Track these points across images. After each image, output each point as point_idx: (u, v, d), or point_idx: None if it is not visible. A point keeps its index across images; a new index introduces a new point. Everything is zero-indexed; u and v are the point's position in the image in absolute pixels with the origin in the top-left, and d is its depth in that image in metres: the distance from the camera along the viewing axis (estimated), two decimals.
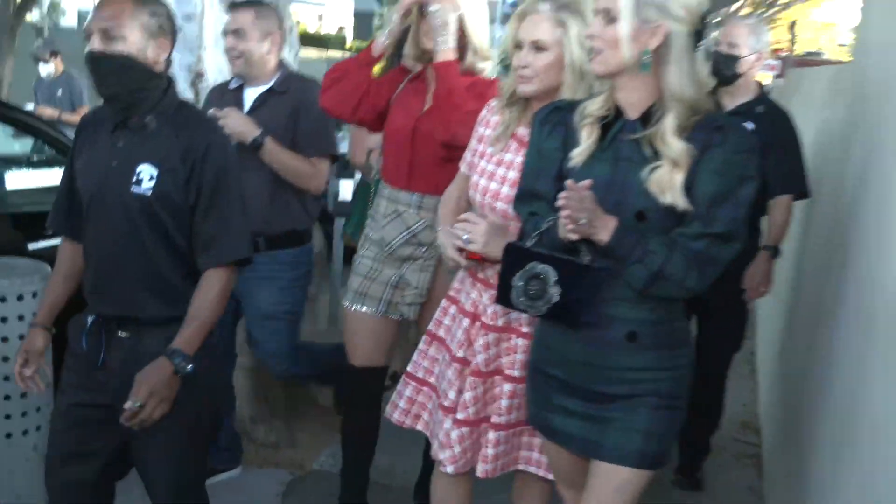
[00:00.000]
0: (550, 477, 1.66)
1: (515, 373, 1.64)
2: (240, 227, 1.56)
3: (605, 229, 1.27)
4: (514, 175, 1.62)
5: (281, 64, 2.32)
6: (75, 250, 1.62)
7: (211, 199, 1.51)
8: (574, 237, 1.30)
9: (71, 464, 1.58)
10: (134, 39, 1.44)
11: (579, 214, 1.25)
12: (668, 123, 1.28)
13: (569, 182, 1.27)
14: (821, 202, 2.44)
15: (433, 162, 1.95)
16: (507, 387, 1.65)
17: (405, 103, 2.00)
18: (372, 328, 2.08)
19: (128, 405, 1.40)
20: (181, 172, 1.49)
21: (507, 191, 1.62)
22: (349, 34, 28.68)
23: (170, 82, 1.57)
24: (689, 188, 1.29)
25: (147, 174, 1.48)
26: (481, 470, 1.67)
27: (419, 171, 1.97)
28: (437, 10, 1.80)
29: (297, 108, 2.23)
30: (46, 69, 5.47)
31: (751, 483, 2.80)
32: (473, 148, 1.76)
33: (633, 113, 1.34)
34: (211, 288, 1.51)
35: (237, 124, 2.13)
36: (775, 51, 15.76)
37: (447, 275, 1.93)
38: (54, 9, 14.28)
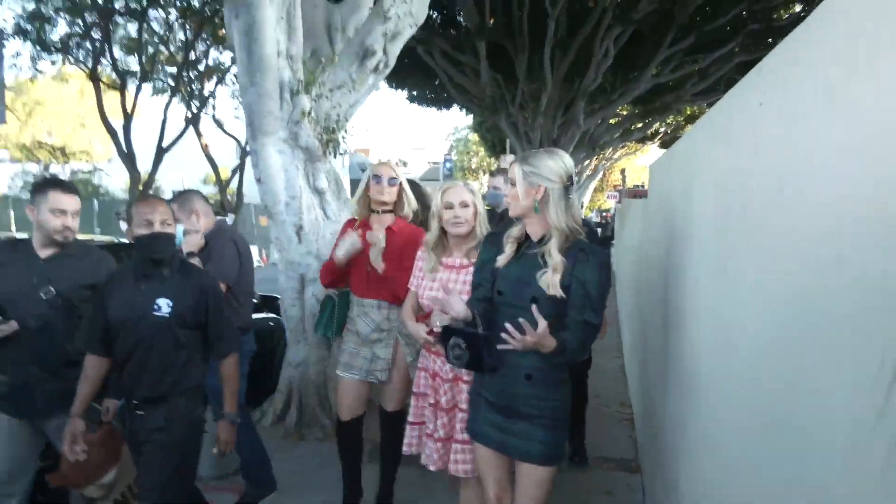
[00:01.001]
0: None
1: (464, 406, 2.40)
2: (232, 332, 2.54)
3: (549, 347, 1.91)
4: (443, 286, 2.40)
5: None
6: (101, 362, 2.38)
7: (215, 317, 2.42)
8: (518, 347, 1.90)
9: None
10: (172, 229, 2.34)
11: (527, 344, 1.87)
12: (552, 244, 1.99)
13: (523, 322, 1.86)
14: (645, 279, 3.64)
15: (384, 280, 2.81)
16: (460, 415, 2.44)
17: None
18: (356, 387, 2.94)
19: (215, 451, 2.51)
20: (191, 304, 2.34)
21: (441, 294, 2.32)
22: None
23: (175, 251, 2.45)
24: (565, 287, 1.96)
25: (165, 304, 2.30)
26: (451, 469, 2.45)
27: (374, 285, 2.85)
28: (375, 240, 2.72)
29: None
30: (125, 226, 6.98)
31: (629, 433, 4.35)
32: (418, 276, 2.61)
33: (535, 237, 2.07)
34: (228, 369, 2.51)
35: None
36: (615, 186, 28.61)
37: (402, 348, 2.85)
38: None
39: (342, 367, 2.94)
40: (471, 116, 19.69)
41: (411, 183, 3.65)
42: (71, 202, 2.63)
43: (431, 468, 2.51)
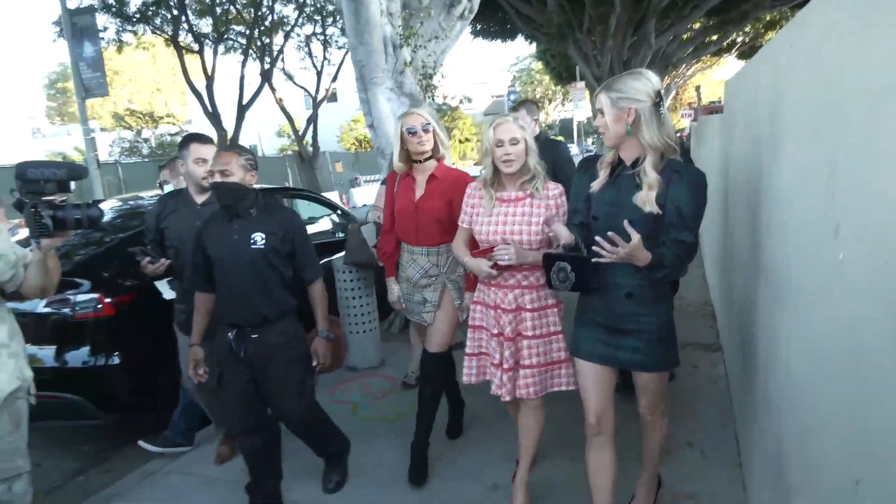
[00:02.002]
0: (570, 388, 2.49)
1: (528, 333, 2.47)
2: (316, 259, 2.72)
3: (643, 259, 1.94)
4: (503, 220, 2.46)
5: None
6: (209, 297, 2.65)
7: (301, 247, 2.62)
8: (612, 260, 1.93)
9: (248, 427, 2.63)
10: (238, 174, 2.48)
11: (620, 256, 1.90)
12: (647, 162, 1.97)
13: (612, 235, 1.89)
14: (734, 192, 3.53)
15: (431, 226, 2.87)
16: (525, 342, 2.48)
17: (403, 193, 2.96)
18: (421, 327, 3.06)
19: (315, 364, 2.61)
20: (279, 235, 2.54)
21: (502, 228, 2.45)
22: None
23: (257, 192, 2.61)
24: (661, 206, 1.95)
25: (259, 237, 2.51)
26: (521, 394, 2.49)
27: (422, 232, 2.89)
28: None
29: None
30: (168, 187, 7.61)
31: (711, 325, 4.88)
32: (469, 212, 2.59)
33: (628, 161, 2.06)
34: (316, 292, 2.69)
35: None
36: (689, 104, 26.92)
37: (449, 292, 2.89)
38: None
39: (407, 312, 3.09)
40: (534, 46, 19.36)
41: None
42: (209, 151, 2.96)
43: (506, 398, 2.50)
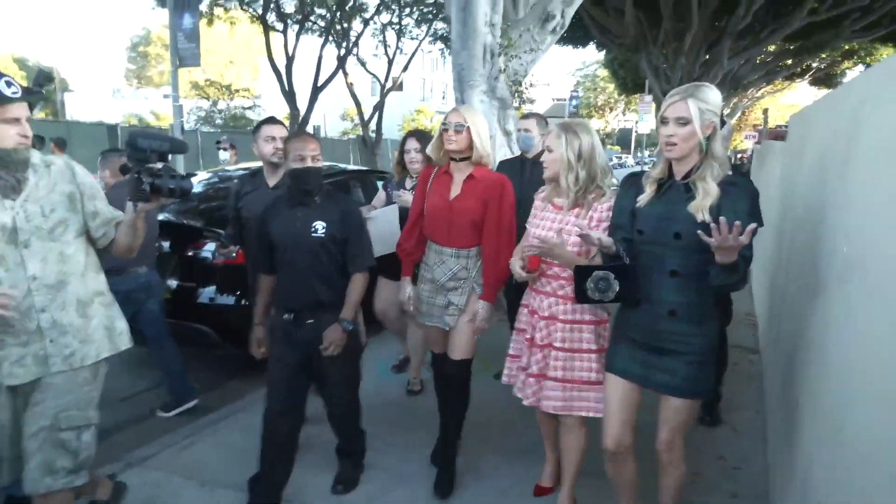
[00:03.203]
0: (596, 414, 2.34)
1: (558, 344, 2.40)
2: (369, 250, 2.68)
3: (733, 255, 1.76)
4: (548, 224, 2.43)
5: None
6: (271, 279, 2.66)
7: (356, 236, 2.61)
8: (730, 260, 1.76)
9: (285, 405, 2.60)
10: (318, 160, 2.55)
11: (733, 247, 1.72)
12: (708, 173, 1.92)
13: (721, 225, 1.69)
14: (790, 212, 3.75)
15: (464, 228, 2.72)
16: (552, 353, 2.41)
17: (437, 190, 2.80)
18: (439, 332, 2.85)
19: (322, 349, 2.50)
20: (338, 223, 2.54)
21: (546, 233, 2.39)
22: None
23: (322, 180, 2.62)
24: (718, 215, 1.78)
25: (320, 226, 2.52)
26: (544, 406, 2.42)
27: (455, 233, 2.73)
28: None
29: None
30: (224, 155, 8.82)
31: (753, 332, 5.07)
32: (531, 216, 2.54)
33: (679, 175, 2.00)
34: (357, 282, 2.61)
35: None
36: (754, 126, 28.22)
37: (475, 294, 2.74)
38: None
39: (422, 315, 2.90)
40: (602, 53, 19.55)
41: (422, 133, 3.78)
42: (278, 130, 3.11)
43: (525, 403, 2.50)
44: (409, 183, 3.67)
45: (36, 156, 2.02)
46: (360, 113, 20.71)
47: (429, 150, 2.82)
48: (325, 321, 2.54)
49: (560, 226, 2.39)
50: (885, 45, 15.95)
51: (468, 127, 2.69)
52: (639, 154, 49.24)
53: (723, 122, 1.99)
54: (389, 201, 3.79)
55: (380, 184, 4.48)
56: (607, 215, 2.31)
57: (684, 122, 1.91)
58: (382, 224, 3.63)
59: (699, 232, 1.77)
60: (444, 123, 2.71)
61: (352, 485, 2.80)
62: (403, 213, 3.53)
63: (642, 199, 2.07)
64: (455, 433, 2.89)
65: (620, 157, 44.74)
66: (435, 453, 3.00)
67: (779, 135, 14.14)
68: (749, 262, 1.88)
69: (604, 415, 2.20)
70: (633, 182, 2.18)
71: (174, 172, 2.13)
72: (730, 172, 1.97)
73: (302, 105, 17.74)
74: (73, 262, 2.04)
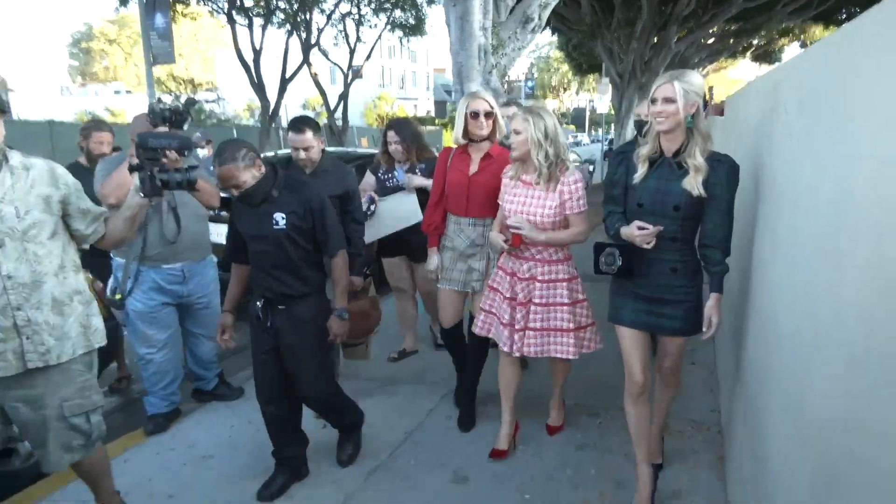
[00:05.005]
0: (571, 358, 2.74)
1: (536, 300, 2.69)
2: (338, 233, 2.63)
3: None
4: (522, 200, 2.67)
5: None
6: (243, 269, 2.67)
7: (321, 221, 2.55)
8: (648, 245, 2.19)
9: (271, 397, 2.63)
10: (248, 178, 2.42)
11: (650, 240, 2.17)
12: (696, 150, 2.14)
13: (643, 225, 2.18)
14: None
15: (481, 199, 3.01)
16: (532, 307, 2.70)
17: (457, 167, 3.09)
18: (455, 298, 3.19)
19: (329, 341, 2.57)
20: (300, 213, 2.50)
21: (520, 208, 2.64)
22: (433, 114, 40.71)
23: (276, 170, 2.54)
24: (706, 188, 2.13)
25: (280, 218, 2.48)
26: (526, 352, 2.73)
27: (473, 204, 3.03)
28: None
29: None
30: (202, 152, 7.53)
31: None
32: (502, 191, 2.79)
33: (669, 152, 2.21)
34: (335, 267, 2.61)
35: None
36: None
37: (492, 261, 3.00)
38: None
39: (442, 280, 3.17)
40: (555, 36, 20.42)
41: (405, 121, 4.11)
42: (298, 139, 3.13)
43: (505, 350, 2.78)
44: (398, 168, 3.89)
45: (15, 158, 2.02)
46: (326, 102, 21.14)
47: (455, 138, 3.03)
48: (296, 309, 2.57)
49: (532, 199, 2.65)
50: (817, 24, 17.41)
51: (496, 113, 2.99)
52: (593, 132, 50.64)
53: (705, 104, 2.21)
54: (381, 185, 3.93)
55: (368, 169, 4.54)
56: (574, 186, 2.61)
57: (670, 100, 2.14)
58: (398, 204, 3.82)
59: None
60: (473, 111, 2.93)
61: (355, 454, 2.93)
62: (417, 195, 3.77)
63: (638, 176, 2.28)
64: (473, 379, 3.25)
65: (576, 136, 46.11)
66: (457, 393, 3.44)
67: (722, 110, 15.55)
68: (729, 230, 2.22)
69: (625, 360, 2.46)
70: (622, 158, 2.43)
71: (178, 166, 2.27)
72: (712, 146, 2.22)
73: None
74: (48, 262, 2.05)
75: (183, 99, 25.06)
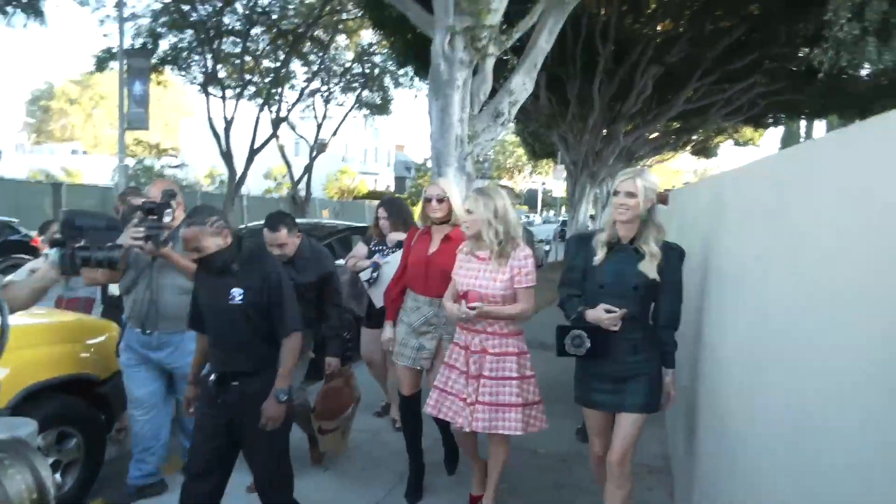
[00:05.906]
0: (516, 433, 2.75)
1: (486, 373, 2.76)
2: (293, 313, 2.53)
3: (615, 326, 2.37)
4: (474, 274, 2.82)
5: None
6: (204, 338, 2.63)
7: (277, 300, 2.49)
8: (615, 328, 2.35)
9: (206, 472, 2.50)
10: (211, 245, 2.44)
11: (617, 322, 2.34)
12: (651, 239, 2.38)
13: (611, 309, 2.35)
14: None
15: (439, 279, 3.07)
16: (484, 381, 2.76)
17: (418, 247, 3.25)
18: (409, 371, 3.24)
19: (261, 426, 2.40)
20: (256, 288, 2.45)
21: (472, 282, 2.79)
22: (392, 189, 42.77)
23: (240, 241, 2.55)
24: (660, 273, 2.36)
25: (237, 293, 2.44)
26: (473, 426, 2.75)
27: (430, 283, 3.13)
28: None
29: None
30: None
31: None
32: (456, 266, 2.90)
33: (625, 239, 2.44)
34: (285, 350, 2.50)
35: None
36: None
37: (444, 343, 3.09)
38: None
39: (395, 354, 3.26)
40: (511, 123, 21.87)
41: (394, 200, 4.40)
42: (271, 237, 3.25)
43: (466, 429, 2.79)
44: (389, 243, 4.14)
45: None
46: (291, 173, 21.69)
47: (417, 219, 3.36)
48: (250, 386, 2.49)
49: (484, 273, 2.79)
50: (747, 125, 19.46)
51: (448, 198, 3.18)
52: (545, 213, 52.51)
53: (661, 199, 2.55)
54: (371, 256, 4.18)
55: (357, 239, 4.95)
56: (524, 262, 2.75)
57: (632, 195, 2.37)
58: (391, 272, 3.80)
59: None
60: (427, 196, 3.20)
61: None
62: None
63: (597, 259, 2.47)
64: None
65: (528, 216, 47.89)
66: (409, 488, 3.28)
67: (666, 199, 16.85)
68: (679, 310, 2.50)
69: (589, 437, 2.68)
70: (581, 245, 2.60)
71: (101, 244, 2.24)
72: (665, 237, 2.46)
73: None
74: None
75: (147, 163, 25.41)
